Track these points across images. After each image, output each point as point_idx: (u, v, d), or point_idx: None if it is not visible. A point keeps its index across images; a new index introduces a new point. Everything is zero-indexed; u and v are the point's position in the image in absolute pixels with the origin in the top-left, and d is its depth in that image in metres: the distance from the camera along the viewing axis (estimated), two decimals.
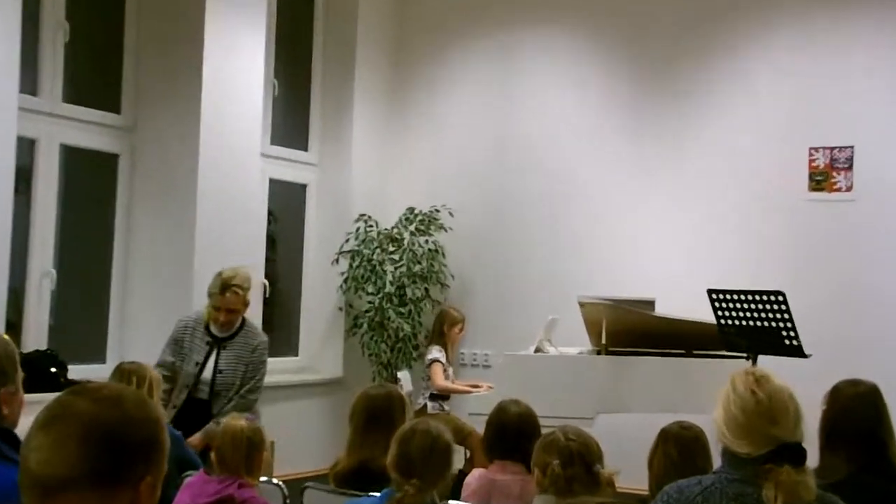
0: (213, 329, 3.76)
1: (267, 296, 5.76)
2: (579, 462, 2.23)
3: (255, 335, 3.84)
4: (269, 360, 5.77)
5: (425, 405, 5.19)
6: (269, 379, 5.52)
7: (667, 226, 5.63)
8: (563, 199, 5.91)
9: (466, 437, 5.02)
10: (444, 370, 5.20)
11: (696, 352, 4.61)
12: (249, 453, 2.63)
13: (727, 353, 4.19)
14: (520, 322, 5.91)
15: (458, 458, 5.00)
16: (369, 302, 5.96)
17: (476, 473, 2.86)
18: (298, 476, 5.17)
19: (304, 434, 5.78)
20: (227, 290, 3.69)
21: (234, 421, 2.66)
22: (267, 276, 5.80)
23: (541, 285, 5.98)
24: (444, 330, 5.28)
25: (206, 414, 3.74)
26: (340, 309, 6.13)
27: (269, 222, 5.89)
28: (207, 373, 3.72)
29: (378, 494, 2.27)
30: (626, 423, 5.14)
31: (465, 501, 2.75)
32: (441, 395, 5.22)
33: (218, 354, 3.75)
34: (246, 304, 3.78)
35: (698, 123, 5.56)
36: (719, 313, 4.03)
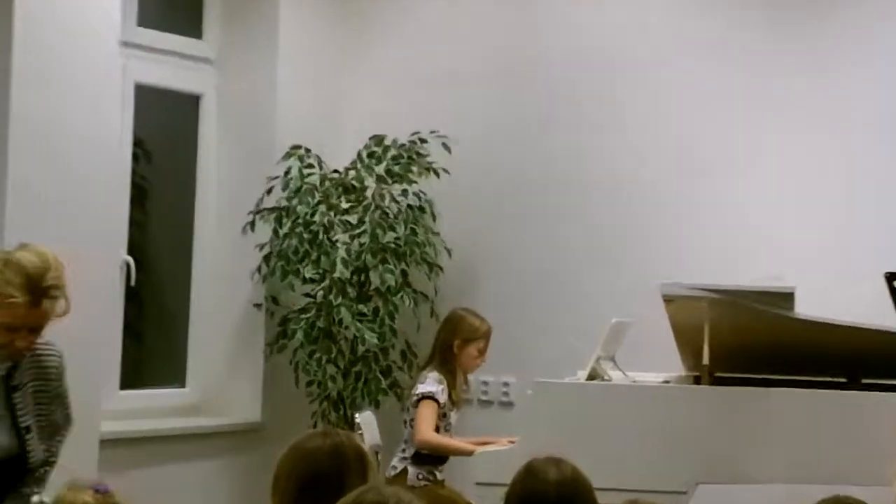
0: None
1: (132, 285, 5.88)
2: None
3: (48, 349, 3.72)
4: (135, 393, 6.01)
5: (405, 470, 5.31)
6: (136, 428, 5.72)
7: (796, 183, 5.84)
8: (628, 139, 6.11)
9: None
10: (441, 413, 5.31)
11: (867, 381, 4.74)
12: None
13: None
14: (559, 330, 6.10)
15: None
16: (308, 295, 6.07)
17: None
18: None
19: None
20: (41, 295, 3.57)
21: (70, 494, 2.68)
22: (132, 251, 5.90)
23: (594, 269, 6.16)
24: (454, 348, 5.38)
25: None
26: (258, 307, 6.27)
27: (136, 160, 5.98)
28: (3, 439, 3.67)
29: None
30: (746, 501, 5.26)
31: None
32: (431, 457, 5.34)
33: (11, 403, 3.69)
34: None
35: (850, 36, 5.79)
36: None
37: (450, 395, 5.34)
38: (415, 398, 5.31)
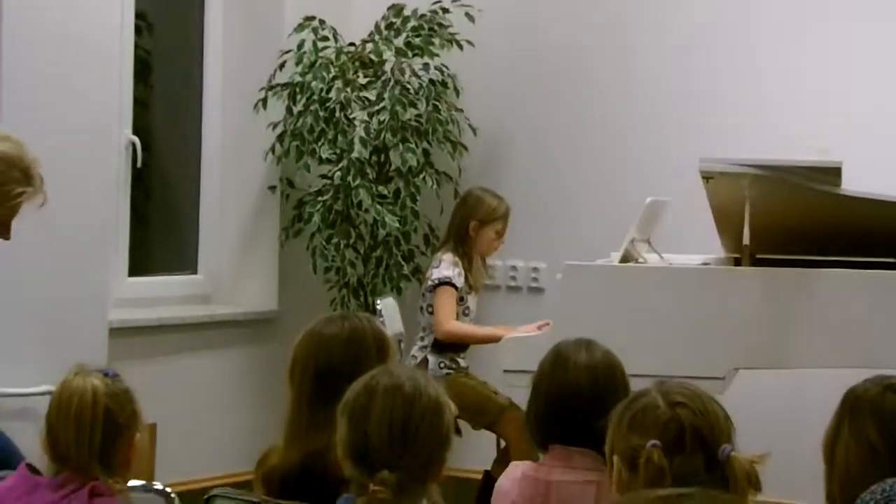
0: None
1: (138, 166, 5.85)
2: (695, 444, 2.25)
3: None
4: (145, 280, 5.97)
5: (425, 360, 5.28)
6: (144, 315, 5.76)
7: (845, 45, 5.69)
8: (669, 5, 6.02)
9: (499, 415, 5.17)
10: (461, 301, 5.26)
11: None
12: (108, 437, 2.69)
13: None
14: (592, 212, 6.03)
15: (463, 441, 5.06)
16: (324, 177, 6.01)
17: (517, 472, 2.98)
18: (200, 481, 5.27)
19: (209, 410, 5.93)
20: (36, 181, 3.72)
21: (78, 379, 2.68)
22: (137, 131, 5.86)
23: (629, 146, 6.05)
24: (469, 230, 5.32)
25: None
26: (272, 189, 6.23)
27: (139, 33, 5.90)
28: None
29: None
30: (785, 385, 5.18)
31: None
32: (452, 344, 5.27)
33: None
34: None
35: None
36: None
37: (466, 279, 5.29)
38: (430, 284, 5.29)
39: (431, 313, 5.27)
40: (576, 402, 2.89)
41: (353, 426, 2.35)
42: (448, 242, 5.37)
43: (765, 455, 2.28)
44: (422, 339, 5.31)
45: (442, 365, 5.25)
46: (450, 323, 5.21)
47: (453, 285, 5.22)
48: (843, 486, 2.63)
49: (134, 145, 5.77)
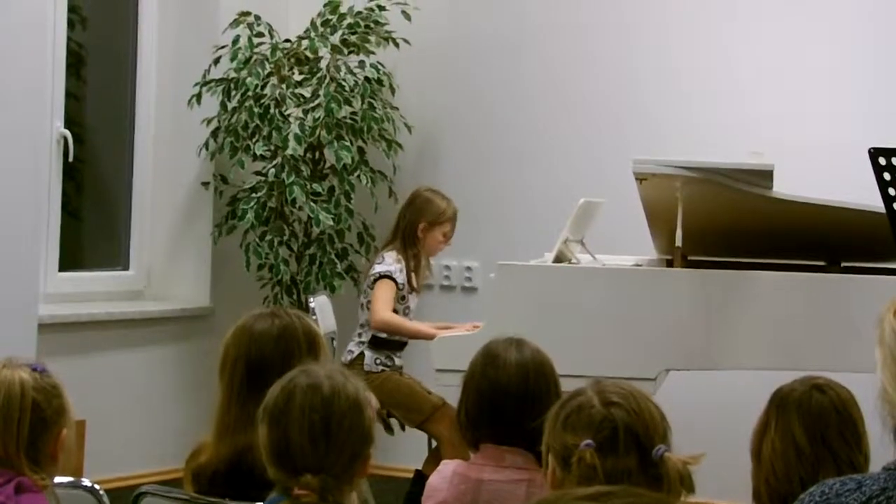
0: None
1: (70, 160, 5.82)
2: (629, 444, 2.25)
3: None
4: (75, 275, 5.92)
5: (361, 355, 5.25)
6: (74, 311, 5.71)
7: (779, 49, 5.71)
8: (603, 11, 6.03)
9: (431, 414, 5.16)
10: (399, 296, 5.25)
11: (846, 264, 4.65)
12: (35, 431, 2.64)
13: None
14: (525, 212, 6.02)
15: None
16: (258, 174, 6.01)
17: (448, 470, 2.95)
18: (130, 478, 5.23)
19: (139, 407, 5.92)
20: None
21: (5, 371, 2.66)
22: (69, 125, 5.83)
23: (564, 147, 6.05)
24: (417, 231, 5.29)
25: None
26: (205, 185, 6.22)
27: (72, 27, 5.87)
28: None
29: None
30: (715, 385, 5.21)
31: None
32: (389, 341, 5.29)
33: None
34: None
35: None
36: (894, 192, 4.02)
37: (409, 279, 5.26)
38: (371, 278, 5.24)
39: (369, 310, 5.20)
40: (506, 400, 2.86)
41: (273, 429, 2.33)
42: (394, 242, 5.30)
43: (699, 455, 2.28)
44: (359, 334, 5.25)
45: (377, 361, 5.21)
46: (386, 313, 5.15)
47: (393, 279, 5.17)
48: (769, 483, 2.67)
49: (66, 139, 5.74)
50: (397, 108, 6.17)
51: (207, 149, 6.06)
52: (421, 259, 5.30)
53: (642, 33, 5.95)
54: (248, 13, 6.03)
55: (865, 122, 5.40)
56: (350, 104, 5.97)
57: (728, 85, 5.79)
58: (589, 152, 5.96)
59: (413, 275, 5.27)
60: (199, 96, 5.98)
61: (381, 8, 6.11)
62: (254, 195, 5.91)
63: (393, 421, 5.25)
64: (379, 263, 5.23)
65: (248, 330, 2.86)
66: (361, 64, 6.07)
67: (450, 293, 6.23)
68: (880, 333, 2.05)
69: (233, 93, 5.97)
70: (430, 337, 4.91)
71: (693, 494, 2.25)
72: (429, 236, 5.28)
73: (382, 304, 5.16)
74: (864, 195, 4.37)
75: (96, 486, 2.88)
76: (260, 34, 6.03)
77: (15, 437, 2.62)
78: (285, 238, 5.98)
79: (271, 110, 5.90)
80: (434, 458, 4.92)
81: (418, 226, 5.26)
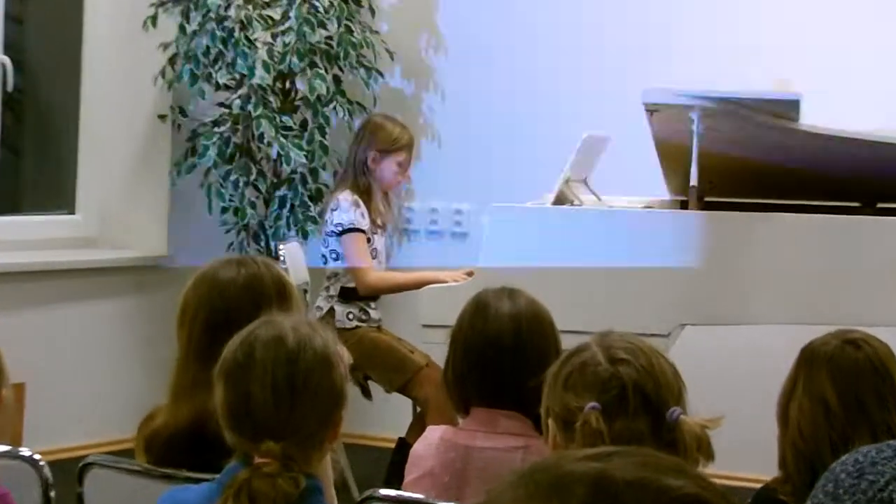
0: None
1: (9, 90, 5.81)
2: (639, 406, 2.26)
3: None
4: (16, 220, 5.90)
5: (331, 311, 5.25)
6: (13, 260, 5.72)
7: None
8: None
9: (415, 375, 5.17)
10: (367, 243, 5.24)
11: (883, 206, 4.67)
12: None
13: None
14: (523, 148, 6.00)
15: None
16: (222, 105, 5.96)
17: (434, 437, 2.96)
18: (75, 449, 5.22)
19: (86, 368, 5.93)
20: None
21: None
22: (8, 50, 5.83)
23: (567, 74, 6.02)
24: (368, 161, 5.27)
25: None
26: (162, 119, 6.20)
27: None
28: None
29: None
30: (735, 342, 5.21)
31: (415, 491, 2.85)
32: (363, 295, 5.27)
33: None
34: None
35: None
36: None
37: (375, 219, 5.28)
38: (332, 229, 5.23)
39: (336, 259, 5.24)
40: (499, 355, 2.89)
41: (231, 389, 2.33)
42: (346, 179, 5.32)
43: (718, 418, 2.28)
44: (327, 288, 5.28)
45: (350, 316, 5.22)
46: (370, 275, 5.18)
47: (360, 230, 5.19)
48: (795, 448, 2.69)
49: (3, 66, 5.72)
50: (377, 32, 6.12)
51: (164, 77, 6.02)
52: (374, 192, 5.28)
53: None
54: None
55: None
56: (324, 27, 5.92)
57: (757, 14, 5.77)
58: (593, 81, 5.93)
59: (370, 212, 5.27)
60: (154, 18, 5.94)
61: None
62: (216, 130, 5.90)
63: (372, 384, 5.25)
64: (335, 210, 5.22)
65: (210, 279, 2.88)
66: None
67: (437, 239, 6.24)
68: None
69: (192, 14, 5.92)
70: (432, 281, 4.96)
71: (711, 462, 2.24)
72: (381, 167, 5.27)
73: (363, 265, 5.18)
74: None
75: (36, 457, 2.89)
76: None
77: None
78: (252, 178, 5.96)
79: (236, 34, 5.84)
80: (419, 425, 4.94)
81: (368, 155, 5.25)
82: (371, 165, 5.25)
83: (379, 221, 5.29)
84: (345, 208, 5.19)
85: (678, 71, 5.59)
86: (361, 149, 5.29)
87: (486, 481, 2.78)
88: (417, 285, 5.02)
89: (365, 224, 5.20)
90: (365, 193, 5.25)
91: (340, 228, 5.18)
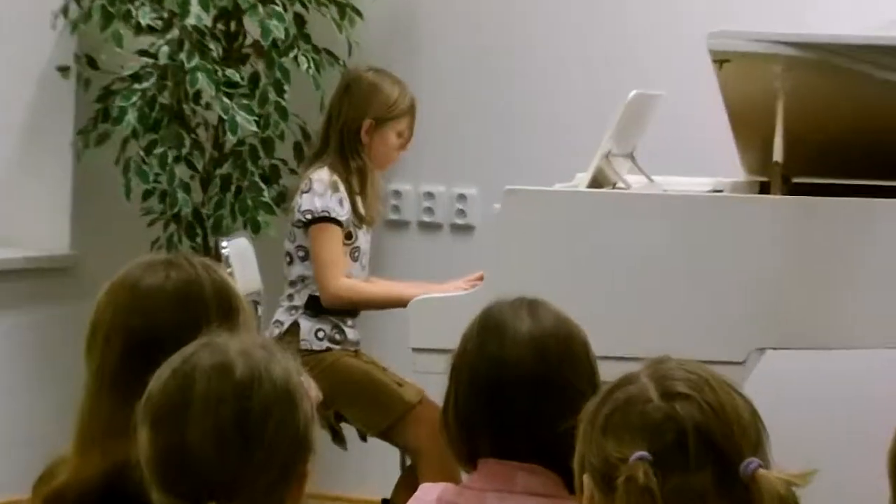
0: None
1: None
2: (702, 455, 2.27)
3: None
4: None
5: (295, 326, 5.34)
6: None
7: None
8: None
9: (404, 415, 5.29)
10: (348, 239, 5.37)
11: None
12: None
13: None
14: (545, 115, 6.14)
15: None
16: (144, 53, 6.09)
17: (431, 498, 3.00)
18: None
19: None
20: None
21: None
22: None
23: (601, 22, 6.17)
24: (361, 133, 5.37)
25: None
26: (63, 71, 6.32)
27: None
28: None
29: None
30: (832, 372, 5.24)
31: None
32: (337, 309, 5.34)
33: None
34: None
35: None
36: None
37: (355, 208, 5.29)
38: (300, 217, 5.31)
39: (304, 259, 5.33)
40: (517, 391, 2.91)
41: (160, 434, 2.35)
42: (324, 154, 5.38)
43: (808, 472, 2.30)
44: (290, 296, 5.38)
45: (321, 335, 5.32)
46: (336, 281, 5.25)
47: (336, 221, 5.24)
48: None
49: None
50: None
51: (66, 16, 6.11)
52: (368, 175, 5.35)
53: None
54: None
55: None
56: None
57: None
58: (640, 28, 6.01)
59: (359, 199, 5.32)
60: None
61: None
62: (137, 87, 5.98)
63: (348, 428, 5.28)
64: (307, 192, 5.30)
65: (130, 287, 2.90)
66: None
67: (433, 233, 6.40)
68: None
69: None
70: (406, 301, 4.98)
71: None
72: (378, 139, 5.38)
73: (331, 266, 5.24)
74: None
75: None
76: None
77: None
78: (184, 151, 6.05)
79: None
80: (408, 482, 5.04)
81: (362, 124, 5.32)
82: (364, 138, 5.35)
83: (367, 213, 5.38)
84: (318, 191, 5.27)
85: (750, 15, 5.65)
86: (351, 116, 5.36)
87: None
88: (401, 301, 5.07)
89: (343, 214, 5.28)
90: (357, 174, 5.34)
91: (310, 216, 5.26)
